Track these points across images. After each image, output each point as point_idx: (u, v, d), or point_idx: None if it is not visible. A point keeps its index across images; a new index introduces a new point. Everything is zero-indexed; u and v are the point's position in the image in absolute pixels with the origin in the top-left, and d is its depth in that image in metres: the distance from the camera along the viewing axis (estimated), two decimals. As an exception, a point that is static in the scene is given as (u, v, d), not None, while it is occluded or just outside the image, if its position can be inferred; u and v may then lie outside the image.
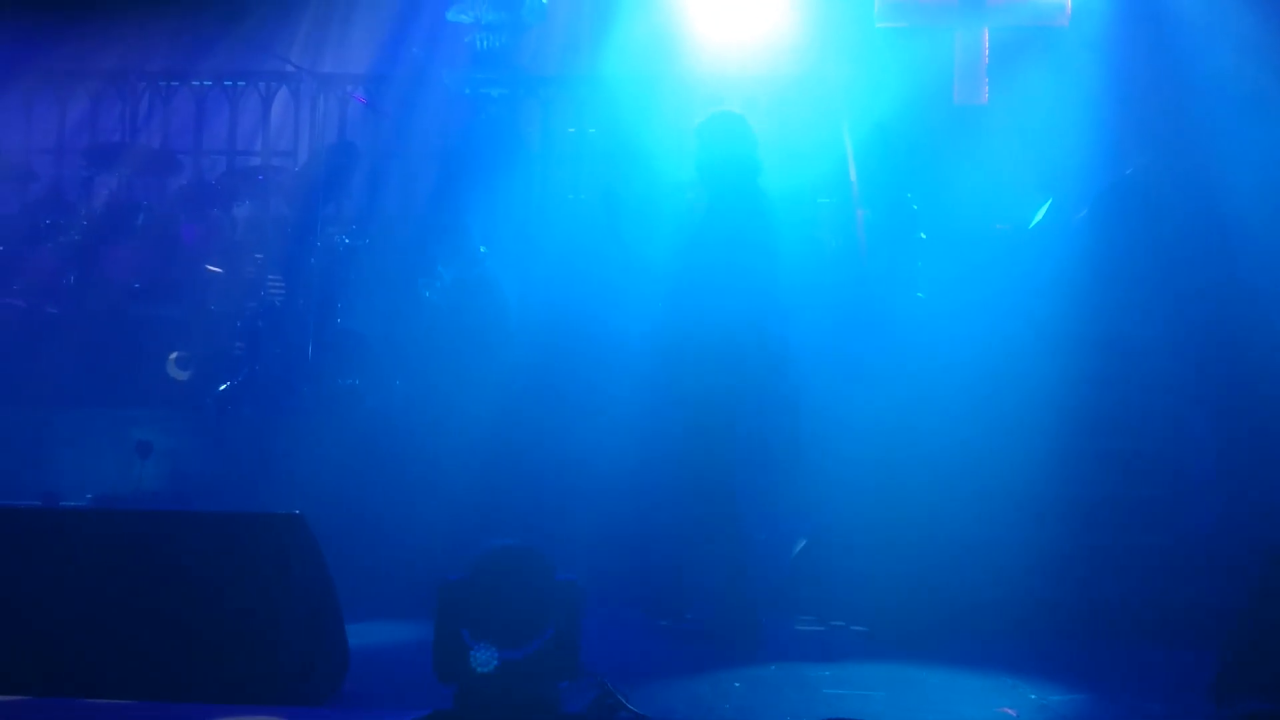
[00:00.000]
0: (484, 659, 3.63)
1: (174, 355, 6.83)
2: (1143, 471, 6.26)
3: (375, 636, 4.86)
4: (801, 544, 6.29)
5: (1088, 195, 6.82)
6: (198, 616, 3.91)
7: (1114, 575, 5.72)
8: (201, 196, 7.74)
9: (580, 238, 6.99)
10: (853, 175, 7.37)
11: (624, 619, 5.50)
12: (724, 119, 5.44)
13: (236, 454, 6.32)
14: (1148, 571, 5.82)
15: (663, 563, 5.66)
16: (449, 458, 5.95)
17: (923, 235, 6.36)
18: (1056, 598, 5.45)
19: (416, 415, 6.39)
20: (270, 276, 7.20)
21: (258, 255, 7.39)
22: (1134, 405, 6.39)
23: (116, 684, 3.77)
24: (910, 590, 5.55)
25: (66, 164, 8.30)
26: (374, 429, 6.36)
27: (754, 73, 7.85)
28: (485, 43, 7.71)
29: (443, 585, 3.76)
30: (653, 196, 6.03)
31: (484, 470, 5.84)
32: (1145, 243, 6.43)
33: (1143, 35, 7.07)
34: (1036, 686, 4.53)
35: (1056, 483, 5.77)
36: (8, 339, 6.97)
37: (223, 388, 6.73)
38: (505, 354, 6.37)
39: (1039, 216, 7.09)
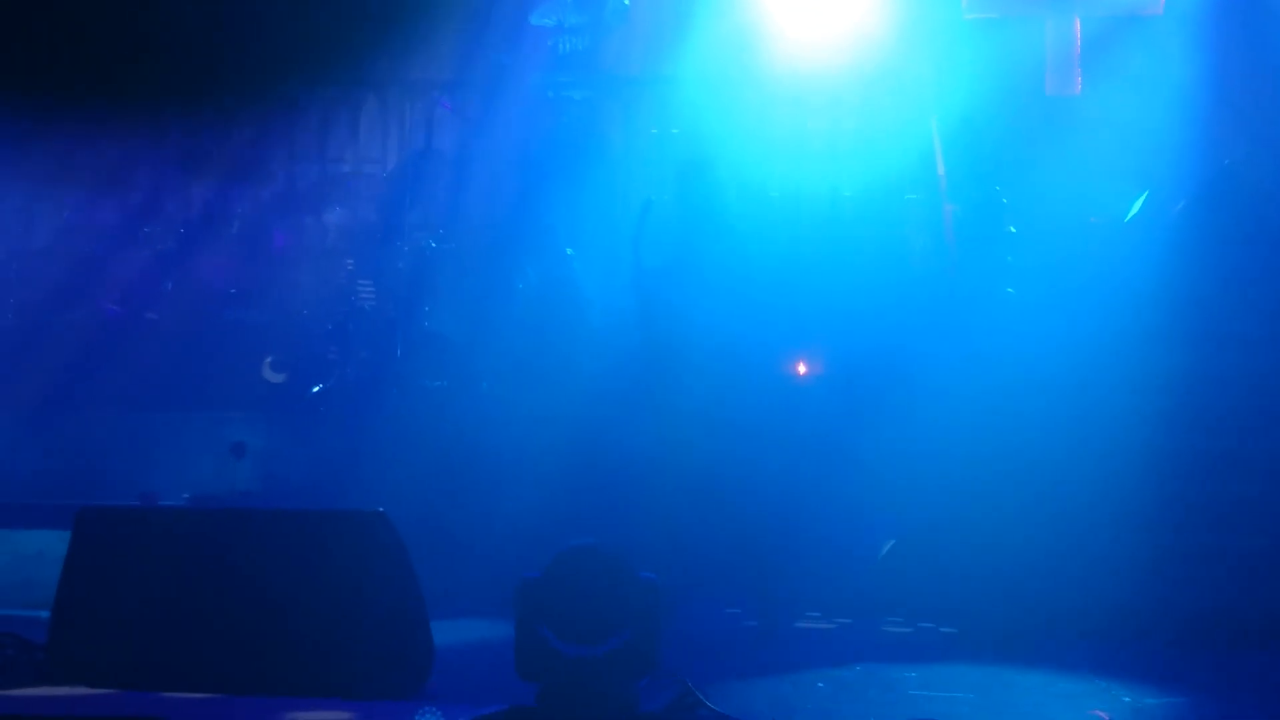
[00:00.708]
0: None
1: (269, 359, 7.00)
2: (1241, 471, 6.05)
3: (459, 634, 4.90)
4: (889, 544, 6.20)
5: (1184, 187, 6.62)
6: (287, 612, 3.98)
7: (1209, 578, 5.53)
8: (293, 204, 7.92)
9: (662, 240, 7.01)
10: (940, 170, 7.26)
11: (706, 618, 5.47)
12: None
13: (328, 455, 6.45)
14: (1245, 574, 5.62)
15: (745, 562, 5.63)
16: (532, 458, 5.99)
17: (1013, 229, 6.23)
18: (1150, 600, 5.28)
19: (500, 416, 6.45)
20: (360, 281, 7.33)
21: (348, 261, 7.53)
22: (1233, 403, 6.18)
23: (209, 678, 3.86)
24: (1000, 592, 5.44)
25: (164, 174, 8.55)
26: (460, 430, 6.44)
27: (838, 68, 7.76)
28: (568, 45, 7.75)
29: (522, 584, 3.78)
30: (726, 199, 6.00)
31: (566, 470, 5.87)
32: (1245, 235, 6.22)
33: (1238, 23, 6.85)
34: (1130, 689, 4.39)
35: (1151, 483, 5.60)
36: (108, 344, 7.21)
37: (315, 390, 6.88)
38: (588, 355, 6.39)
39: (1135, 209, 6.91)
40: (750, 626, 5.68)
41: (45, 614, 4.21)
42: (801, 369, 7.45)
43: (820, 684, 4.40)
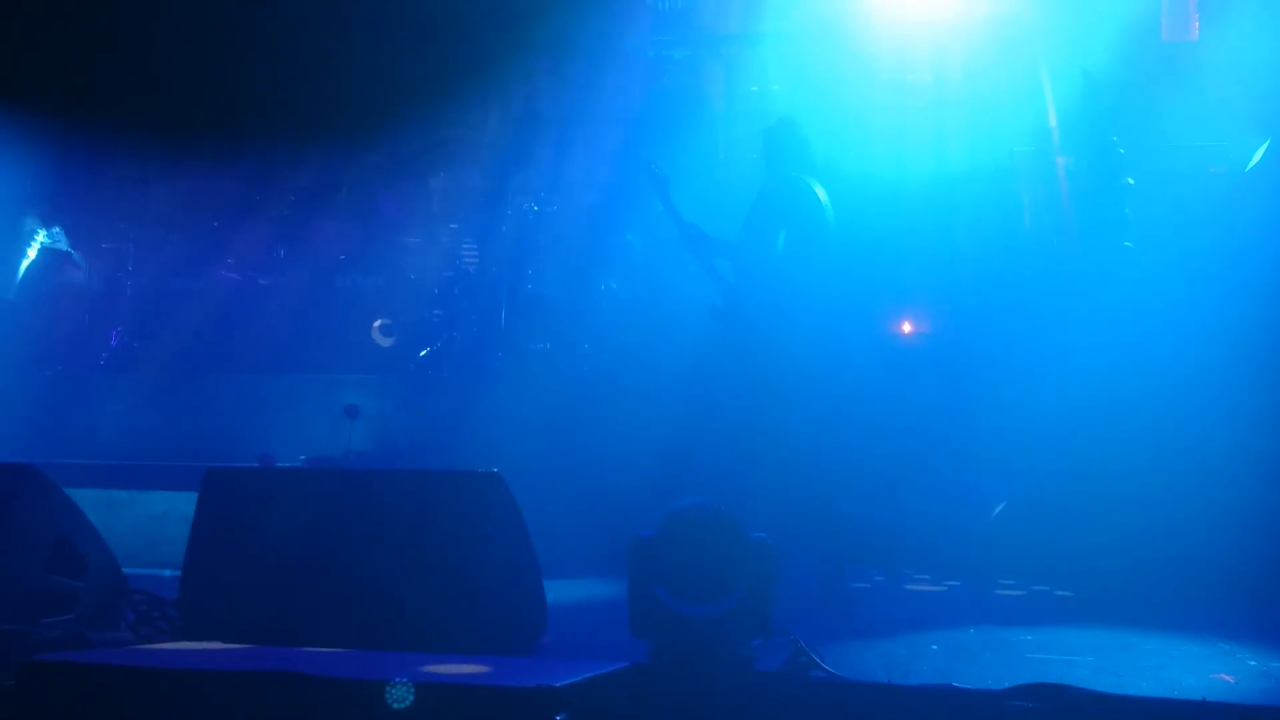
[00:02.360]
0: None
1: (378, 323, 7.12)
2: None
3: (573, 593, 4.97)
4: (1001, 507, 6.11)
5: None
6: (404, 570, 4.06)
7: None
8: (399, 169, 8.03)
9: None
10: (1053, 122, 7.05)
11: (820, 580, 5.45)
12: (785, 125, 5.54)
13: (438, 416, 6.56)
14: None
15: (855, 524, 5.60)
16: (640, 418, 6.01)
17: (1130, 180, 6.03)
18: (1272, 561, 5.11)
19: (606, 377, 6.48)
20: (465, 245, 7.41)
21: (452, 225, 7.62)
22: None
23: (330, 633, 3.97)
24: (1116, 555, 5.32)
25: (275, 145, 8.71)
26: (565, 391, 6.49)
27: (944, 18, 7.57)
28: (667, 3, 7.68)
29: (635, 542, 3.81)
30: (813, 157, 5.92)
31: (676, 430, 5.88)
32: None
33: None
34: (1255, 652, 4.27)
35: (1273, 443, 5.41)
36: (224, 311, 7.41)
37: (423, 353, 6.99)
38: (691, 314, 6.38)
39: (1256, 158, 6.63)
40: (860, 588, 5.65)
41: (172, 572, 4.36)
42: (908, 329, 7.35)
43: (934, 646, 4.36)
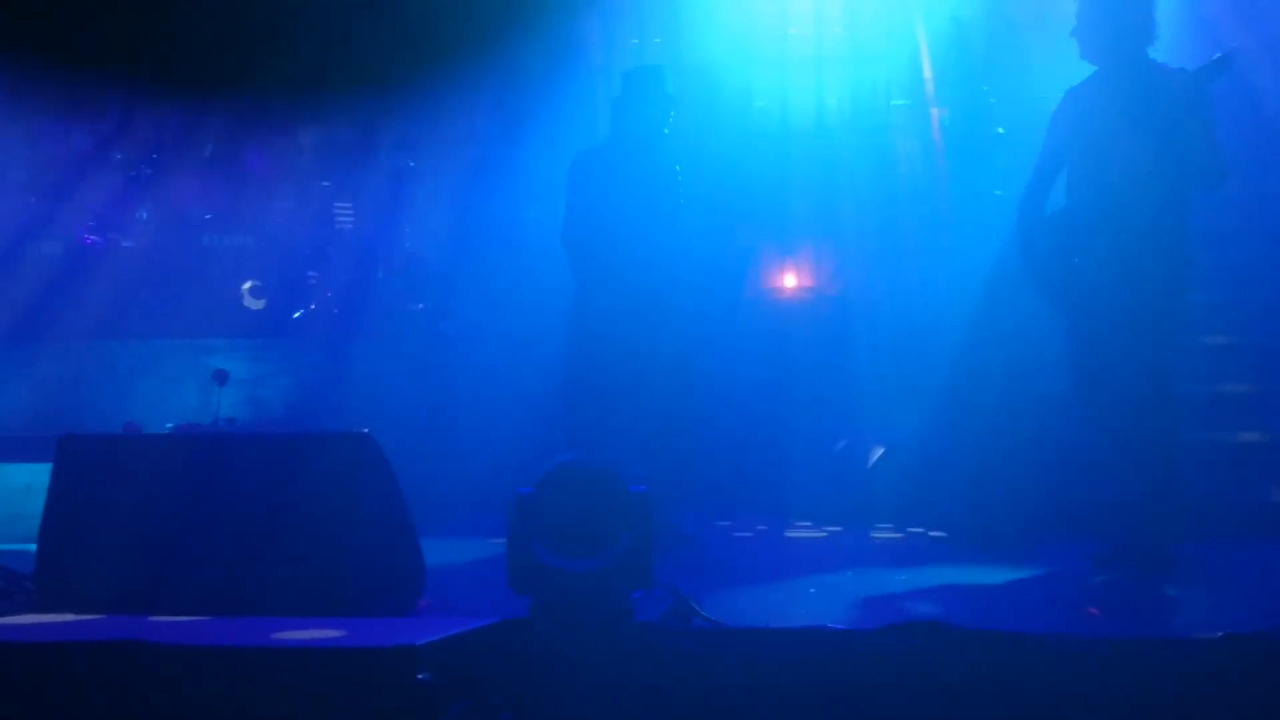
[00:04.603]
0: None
1: (248, 285, 6.91)
2: (1234, 368, 6.04)
3: (452, 554, 4.91)
4: (879, 453, 6.22)
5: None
6: (274, 535, 3.96)
7: (1204, 472, 5.53)
8: (266, 124, 7.75)
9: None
10: (927, 73, 7.13)
11: (699, 531, 5.48)
12: (641, 74, 5.43)
13: (312, 380, 6.40)
14: (1241, 468, 5.64)
15: (738, 475, 5.64)
16: (519, 377, 5.95)
17: (1000, 130, 6.14)
18: (1142, 497, 5.28)
19: (485, 336, 6.40)
20: (338, 203, 7.22)
21: (325, 183, 7.41)
22: (1229, 298, 6.16)
23: (199, 602, 3.85)
24: (989, 495, 5.45)
25: (135, 99, 8.35)
26: (444, 351, 6.39)
27: (822, -29, 7.60)
28: (542, -47, 7.53)
29: (515, 499, 3.76)
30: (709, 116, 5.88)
31: (552, 387, 5.83)
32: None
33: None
34: (1123, 586, 4.43)
35: (1141, 381, 5.58)
36: (86, 275, 7.11)
37: (296, 315, 6.81)
38: (567, 271, 6.33)
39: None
40: (742, 538, 5.70)
41: (34, 546, 4.18)
42: (789, 281, 7.41)
43: (812, 589, 4.43)
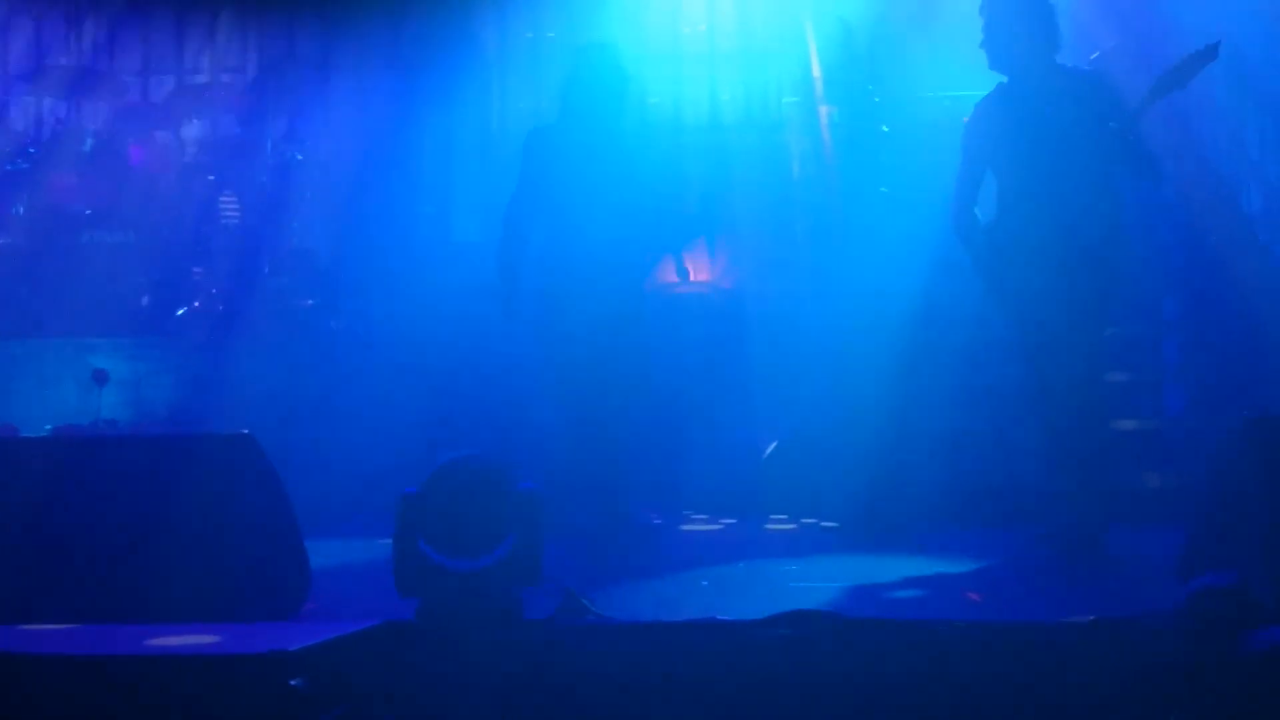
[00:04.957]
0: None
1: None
2: (1117, 357, 6.24)
3: (342, 556, 4.84)
4: (773, 445, 6.29)
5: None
6: (156, 539, 3.87)
7: (1084, 461, 5.71)
8: (149, 118, 7.55)
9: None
10: (816, 72, 7.24)
11: (594, 525, 5.48)
12: (597, 50, 5.36)
13: (195, 379, 6.25)
14: (1122, 456, 5.82)
15: (636, 470, 5.65)
16: (409, 374, 5.88)
17: (885, 129, 6.25)
18: (1025, 484, 5.44)
19: (375, 334, 6.31)
20: (223, 197, 7.05)
21: (209, 176, 7.23)
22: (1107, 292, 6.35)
23: (79, 609, 3.75)
24: (879, 486, 5.55)
25: (11, 90, 8.07)
26: (333, 349, 6.29)
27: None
28: (438, -59, 7.46)
29: (401, 499, 3.72)
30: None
31: (442, 385, 5.79)
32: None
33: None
34: (1001, 573, 4.55)
35: (1011, 373, 5.74)
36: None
37: (180, 312, 6.64)
38: (458, 268, 6.29)
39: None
40: (638, 530, 5.71)
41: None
42: (685, 274, 7.45)
43: (705, 582, 4.46)
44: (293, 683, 2.79)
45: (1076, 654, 3.35)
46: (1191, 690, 3.20)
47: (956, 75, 6.91)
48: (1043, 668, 3.36)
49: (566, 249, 5.21)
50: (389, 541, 3.77)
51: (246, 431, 3.88)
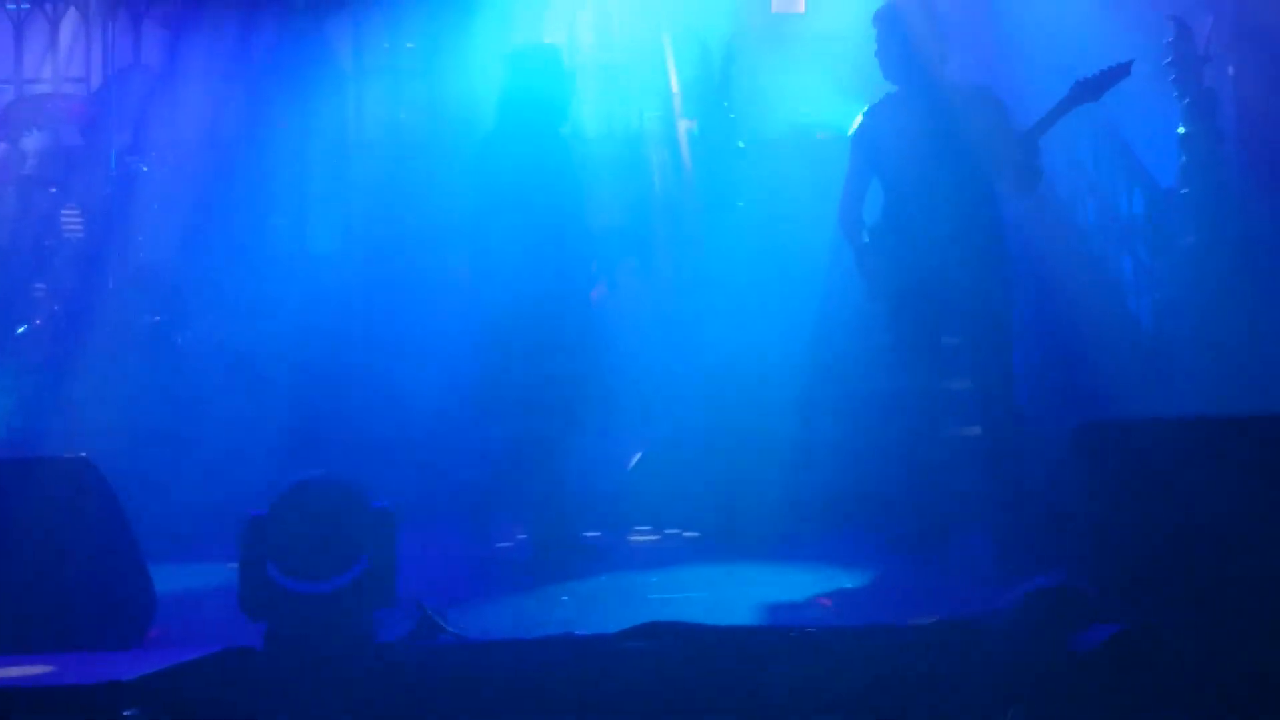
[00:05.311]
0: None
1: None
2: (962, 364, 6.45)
3: (191, 580, 4.70)
4: (637, 457, 6.33)
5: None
6: (-11, 568, 3.70)
7: (937, 467, 5.89)
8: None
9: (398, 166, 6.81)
10: (675, 87, 7.34)
11: (452, 545, 5.44)
12: (535, 51, 5.33)
13: (38, 400, 6.00)
14: (968, 461, 6.02)
15: (493, 486, 5.62)
16: (258, 391, 5.75)
17: (741, 144, 6.38)
18: (876, 492, 5.59)
19: (223, 350, 6.15)
20: (65, 210, 6.78)
21: (50, 189, 6.94)
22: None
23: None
24: (740, 495, 5.65)
25: None
26: (181, 366, 6.11)
27: (576, -13, 7.70)
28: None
29: (247, 521, 3.63)
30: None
31: (296, 404, 5.67)
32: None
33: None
34: (854, 577, 4.67)
35: (879, 381, 5.90)
36: None
37: (21, 330, 6.37)
38: (313, 281, 6.18)
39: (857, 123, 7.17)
40: (503, 548, 5.69)
41: None
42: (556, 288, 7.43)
43: (565, 597, 4.47)
44: (127, 714, 2.69)
45: (922, 655, 3.46)
46: (1027, 686, 3.33)
47: (806, 96, 7.12)
48: (890, 669, 3.45)
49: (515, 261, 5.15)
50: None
51: (84, 455, 3.75)
